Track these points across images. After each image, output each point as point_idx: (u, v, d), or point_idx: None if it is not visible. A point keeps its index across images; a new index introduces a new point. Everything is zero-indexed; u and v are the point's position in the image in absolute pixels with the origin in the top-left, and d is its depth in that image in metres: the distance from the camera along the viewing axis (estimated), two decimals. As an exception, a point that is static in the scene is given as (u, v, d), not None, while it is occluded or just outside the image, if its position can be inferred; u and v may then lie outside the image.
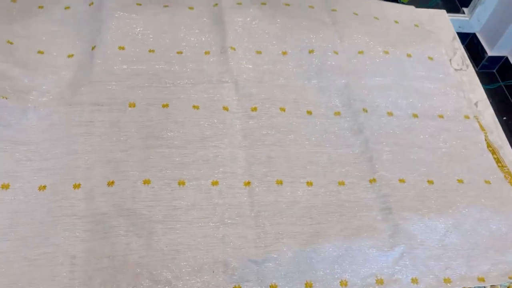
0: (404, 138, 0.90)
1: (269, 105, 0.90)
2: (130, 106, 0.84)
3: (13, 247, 0.68)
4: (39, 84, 0.84)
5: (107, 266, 0.67)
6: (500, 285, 0.72)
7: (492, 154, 0.92)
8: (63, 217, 0.71)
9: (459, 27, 1.55)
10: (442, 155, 0.89)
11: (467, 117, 0.97)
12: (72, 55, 0.91)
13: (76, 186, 0.74)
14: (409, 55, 1.05)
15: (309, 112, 0.91)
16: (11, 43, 0.89)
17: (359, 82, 0.97)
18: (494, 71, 1.59)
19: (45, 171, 0.75)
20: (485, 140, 0.94)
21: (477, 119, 0.97)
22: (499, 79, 1.55)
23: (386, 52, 1.04)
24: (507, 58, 1.53)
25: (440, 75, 1.04)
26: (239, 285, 0.68)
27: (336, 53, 1.01)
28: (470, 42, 1.62)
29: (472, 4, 1.56)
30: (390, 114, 0.94)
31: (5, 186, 0.72)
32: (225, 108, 0.87)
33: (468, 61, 1.12)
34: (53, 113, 0.81)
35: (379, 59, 1.03)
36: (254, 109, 0.88)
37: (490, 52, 1.53)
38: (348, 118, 0.91)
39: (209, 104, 0.87)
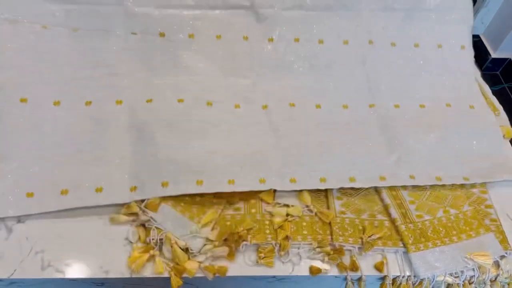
0: (403, 69, 1.01)
1: (286, 34, 0.98)
2: (160, 36, 0.93)
3: (71, 151, 0.79)
4: None
5: (151, 162, 0.78)
6: (501, 282, 0.73)
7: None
8: (111, 127, 0.82)
9: (463, 29, 1.56)
10: (436, 83, 1.01)
11: (463, 47, 1.08)
12: None
13: (118, 102, 0.86)
14: None
15: (321, 42, 1.00)
16: None
17: (371, 15, 1.02)
18: (498, 72, 1.60)
19: (88, 90, 0.86)
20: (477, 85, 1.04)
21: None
22: (502, 81, 1.56)
23: None
24: (510, 60, 1.54)
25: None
26: (263, 179, 0.78)
27: None
28: (473, 44, 1.62)
29: (475, 6, 1.57)
30: (393, 44, 1.03)
31: (57, 103, 0.83)
32: (245, 38, 0.97)
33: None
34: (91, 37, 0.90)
35: None
36: (271, 40, 0.98)
37: (493, 54, 1.54)
38: (355, 48, 1.00)
39: (229, 35, 0.95)
